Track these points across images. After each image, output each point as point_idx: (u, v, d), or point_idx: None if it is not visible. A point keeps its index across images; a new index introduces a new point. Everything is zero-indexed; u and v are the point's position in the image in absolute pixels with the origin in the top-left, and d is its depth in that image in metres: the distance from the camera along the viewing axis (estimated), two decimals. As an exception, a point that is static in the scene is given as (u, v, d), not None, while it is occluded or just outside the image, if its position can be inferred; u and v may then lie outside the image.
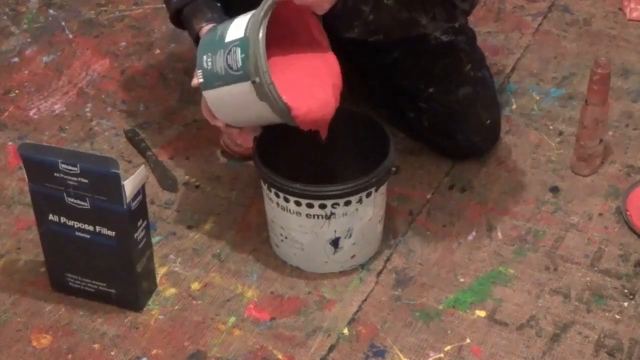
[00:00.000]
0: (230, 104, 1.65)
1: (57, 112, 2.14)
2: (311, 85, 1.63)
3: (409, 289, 1.74)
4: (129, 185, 1.56)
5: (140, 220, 1.63)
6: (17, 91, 2.21)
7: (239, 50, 1.57)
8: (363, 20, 1.67)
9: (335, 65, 1.65)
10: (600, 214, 1.87)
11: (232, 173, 1.98)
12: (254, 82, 1.55)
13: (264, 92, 1.56)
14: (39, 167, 1.60)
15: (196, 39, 1.76)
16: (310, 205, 1.66)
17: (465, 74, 1.94)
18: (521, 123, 2.08)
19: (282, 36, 1.66)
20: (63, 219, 1.63)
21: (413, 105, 1.96)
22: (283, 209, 1.69)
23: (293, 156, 1.77)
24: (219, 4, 1.78)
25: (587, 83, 1.87)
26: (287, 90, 1.59)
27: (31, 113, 2.14)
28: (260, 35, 1.55)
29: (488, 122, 1.94)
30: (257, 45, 1.55)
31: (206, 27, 1.73)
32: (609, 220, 1.86)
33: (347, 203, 1.67)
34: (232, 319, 1.69)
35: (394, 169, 1.71)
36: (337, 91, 1.64)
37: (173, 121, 2.11)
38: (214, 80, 1.62)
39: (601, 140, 1.92)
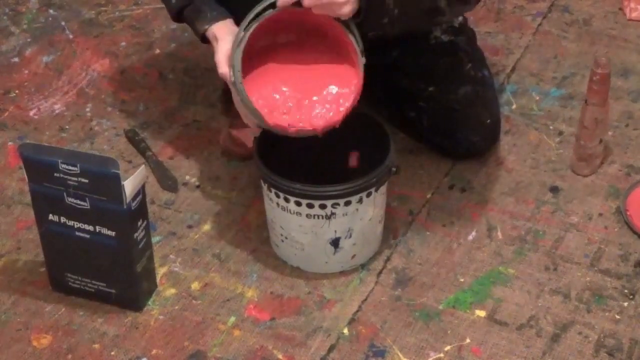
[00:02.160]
0: (238, 103, 1.69)
1: (57, 112, 2.15)
2: (299, 98, 1.66)
3: (409, 289, 1.74)
4: (129, 185, 1.56)
5: (140, 220, 1.63)
6: (17, 91, 2.21)
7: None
8: (389, 18, 1.67)
9: (348, 81, 1.65)
10: (600, 214, 1.87)
11: (232, 173, 1.98)
12: (232, 82, 1.63)
13: (237, 91, 1.62)
14: (39, 167, 1.60)
15: (202, 40, 1.78)
16: (310, 206, 1.66)
17: (465, 73, 1.94)
18: (521, 123, 2.08)
19: (313, 43, 1.69)
20: (63, 219, 1.63)
21: (413, 104, 1.96)
22: (283, 209, 1.69)
23: (293, 156, 1.77)
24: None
25: (587, 83, 1.87)
26: (268, 97, 1.65)
27: (31, 113, 2.14)
28: (242, 35, 1.60)
29: (488, 121, 1.94)
30: (235, 45, 1.61)
31: (210, 28, 1.74)
32: (609, 220, 1.86)
33: (347, 203, 1.67)
34: (232, 319, 1.69)
35: (394, 169, 1.71)
36: (327, 110, 1.65)
37: (173, 121, 2.11)
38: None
39: (601, 140, 1.92)
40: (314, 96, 1.66)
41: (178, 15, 1.82)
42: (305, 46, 1.70)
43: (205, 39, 1.78)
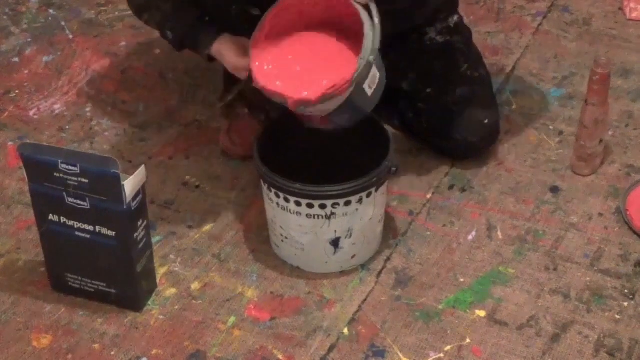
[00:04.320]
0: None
1: (57, 112, 2.15)
2: (292, 68, 1.67)
3: (409, 289, 1.74)
4: (129, 185, 1.56)
5: (140, 220, 1.63)
6: (17, 91, 2.21)
7: None
8: None
9: (342, 72, 1.63)
10: (600, 214, 1.87)
11: (232, 173, 1.98)
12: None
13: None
14: (39, 167, 1.60)
15: (209, 60, 1.84)
16: (310, 205, 1.66)
17: (462, 74, 1.94)
18: (521, 123, 2.08)
19: (337, 31, 1.69)
20: (63, 219, 1.63)
21: (412, 106, 1.96)
22: (283, 209, 1.69)
23: (293, 156, 1.77)
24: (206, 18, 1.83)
25: (587, 83, 1.87)
26: (270, 57, 1.67)
27: (31, 113, 2.14)
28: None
29: (486, 121, 1.94)
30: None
31: (211, 49, 1.79)
32: (609, 220, 1.85)
33: (348, 203, 1.67)
34: (232, 319, 1.69)
35: (394, 168, 1.71)
36: (307, 87, 1.63)
37: (173, 121, 2.11)
38: None
39: (601, 140, 1.92)
40: (306, 72, 1.65)
41: (181, 47, 1.86)
42: (328, 32, 1.69)
43: (211, 58, 1.83)
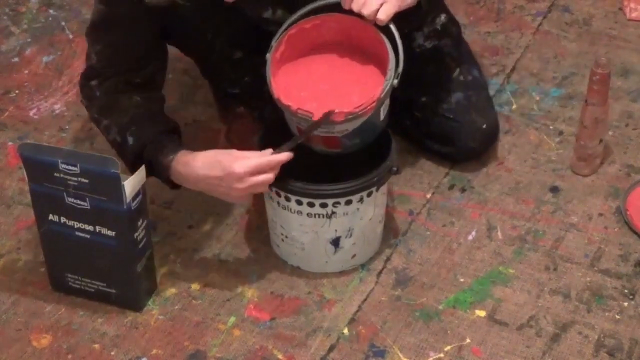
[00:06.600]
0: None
1: (57, 112, 2.15)
2: (318, 89, 1.67)
3: (409, 289, 1.74)
4: (129, 185, 1.56)
5: (140, 220, 1.63)
6: (17, 91, 2.21)
7: None
8: None
9: (368, 94, 1.64)
10: (600, 214, 1.87)
11: (232, 173, 1.97)
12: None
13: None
14: (39, 167, 1.60)
15: (168, 182, 1.72)
16: (311, 204, 1.66)
17: (454, 79, 1.94)
18: (521, 123, 2.08)
19: (360, 53, 1.70)
20: (63, 219, 1.63)
21: (408, 114, 1.95)
22: (284, 208, 1.69)
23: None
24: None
25: (587, 83, 1.87)
26: (289, 76, 1.66)
27: (31, 113, 2.14)
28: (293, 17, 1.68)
29: (484, 126, 1.93)
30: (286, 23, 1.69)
31: (171, 172, 1.69)
32: (609, 220, 1.85)
33: (348, 202, 1.67)
34: (232, 319, 1.69)
35: (394, 168, 1.71)
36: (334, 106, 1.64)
37: (173, 121, 2.11)
38: None
39: (601, 140, 1.92)
40: (330, 91, 1.67)
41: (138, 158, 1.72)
42: (344, 52, 1.71)
43: (174, 184, 1.73)
